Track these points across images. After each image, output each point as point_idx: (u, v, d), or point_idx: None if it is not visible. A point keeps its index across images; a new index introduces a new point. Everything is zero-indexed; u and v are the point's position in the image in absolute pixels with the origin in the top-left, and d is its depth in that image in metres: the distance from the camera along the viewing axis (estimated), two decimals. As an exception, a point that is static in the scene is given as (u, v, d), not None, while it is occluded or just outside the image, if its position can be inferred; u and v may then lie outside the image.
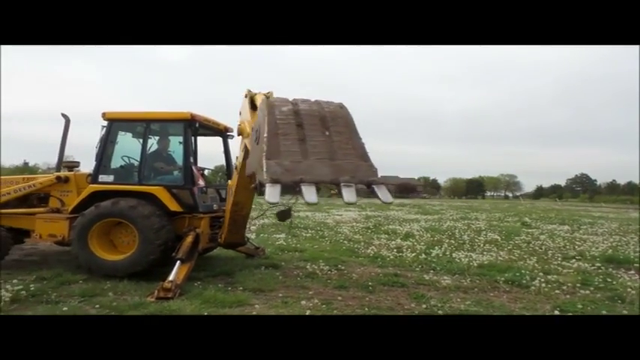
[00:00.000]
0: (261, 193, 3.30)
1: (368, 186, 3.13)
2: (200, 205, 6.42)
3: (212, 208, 6.83)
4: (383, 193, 3.16)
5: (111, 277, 5.99)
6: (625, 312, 5.11)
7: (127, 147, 6.81)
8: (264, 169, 2.86)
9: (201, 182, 6.63)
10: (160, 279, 5.53)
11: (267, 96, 5.32)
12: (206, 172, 8.22)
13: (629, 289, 5.95)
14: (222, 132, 7.62)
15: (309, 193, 2.93)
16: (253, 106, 5.26)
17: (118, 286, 5.70)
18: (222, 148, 7.83)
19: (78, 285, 5.77)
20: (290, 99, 3.67)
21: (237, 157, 6.29)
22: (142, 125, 6.65)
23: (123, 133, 6.82)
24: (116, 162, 6.73)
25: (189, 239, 6.07)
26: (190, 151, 6.57)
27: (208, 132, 7.45)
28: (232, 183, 6.33)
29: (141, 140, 6.61)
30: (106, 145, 6.56)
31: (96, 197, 6.33)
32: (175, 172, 6.82)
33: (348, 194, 3.05)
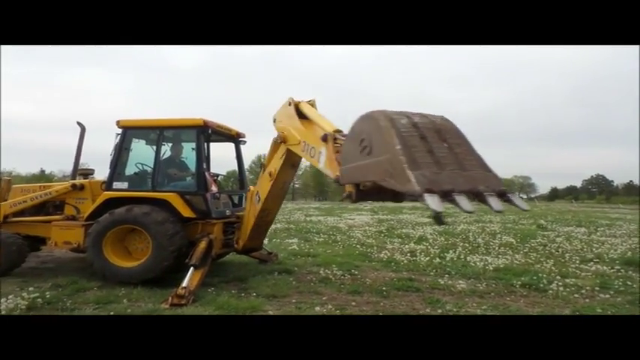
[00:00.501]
0: (355, 201, 3.71)
1: (502, 195, 3.16)
2: (213, 210, 6.44)
3: (225, 213, 6.84)
4: (519, 202, 3.24)
5: (125, 284, 6.03)
6: (647, 316, 4.97)
7: (141, 154, 6.88)
8: (413, 180, 2.92)
9: (214, 188, 6.66)
10: (174, 285, 5.54)
11: (311, 103, 5.47)
12: (219, 177, 8.26)
13: (650, 293, 5.81)
14: (235, 138, 7.65)
15: (464, 202, 2.99)
16: (300, 114, 5.31)
17: (132, 292, 5.73)
18: (234, 154, 7.85)
19: (93, 292, 5.82)
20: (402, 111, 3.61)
21: (264, 162, 6.38)
22: (156, 132, 6.71)
23: (137, 140, 6.90)
24: (130, 169, 6.80)
25: (203, 245, 6.08)
26: (203, 157, 6.60)
27: (221, 138, 7.49)
28: (258, 189, 6.30)
29: (154, 147, 6.67)
30: (121, 153, 6.63)
31: (110, 204, 6.39)
32: (188, 179, 6.86)
33: (495, 203, 3.08)
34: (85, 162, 8.69)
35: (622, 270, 7.57)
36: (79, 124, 7.19)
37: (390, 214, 23.51)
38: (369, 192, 3.62)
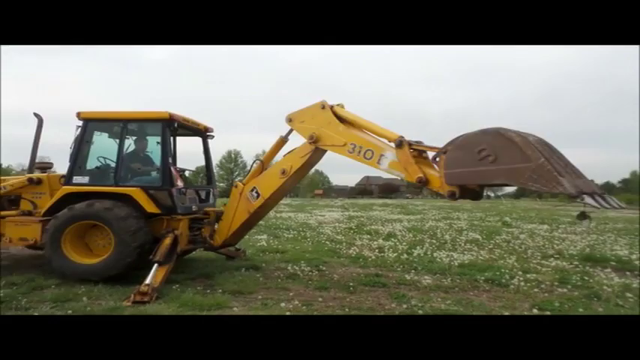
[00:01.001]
0: (474, 198, 4.61)
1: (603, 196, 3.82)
2: (179, 206, 6.30)
3: (191, 209, 6.71)
4: (614, 202, 3.87)
5: (85, 281, 5.83)
6: (601, 310, 5.17)
7: (103, 147, 6.64)
8: (566, 185, 3.59)
9: (180, 183, 6.51)
10: (137, 283, 5.40)
11: (341, 106, 5.79)
12: (187, 173, 8.10)
13: (605, 287, 6.04)
14: (202, 132, 7.50)
15: (609, 200, 3.74)
16: (339, 118, 5.61)
17: (93, 290, 5.55)
18: (202, 149, 7.70)
19: (50, 290, 5.60)
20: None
21: (261, 159, 6.52)
22: (119, 125, 6.50)
23: (99, 133, 6.66)
24: (91, 163, 6.56)
25: (168, 241, 5.94)
26: (169, 152, 6.44)
27: (188, 132, 7.33)
28: (257, 184, 6.23)
29: (117, 140, 6.46)
30: (81, 146, 6.39)
31: (70, 199, 6.15)
32: (153, 173, 6.68)
33: (613, 202, 3.81)
34: (46, 155, 8.35)
35: (580, 265, 7.85)
36: (36, 115, 6.88)
37: (361, 211, 23.73)
38: (471, 191, 4.42)
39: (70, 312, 4.76)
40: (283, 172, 6.00)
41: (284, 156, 6.20)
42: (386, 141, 5.13)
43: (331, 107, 5.74)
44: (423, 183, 4.69)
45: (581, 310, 5.11)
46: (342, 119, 5.58)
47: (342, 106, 5.83)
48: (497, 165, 3.89)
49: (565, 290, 6.11)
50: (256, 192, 6.24)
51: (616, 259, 8.39)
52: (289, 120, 6.03)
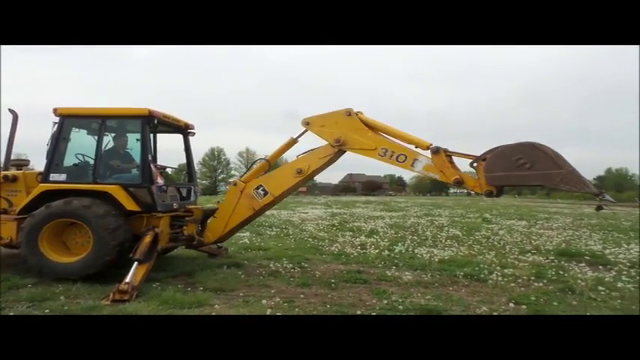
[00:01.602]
0: (498, 195, 5.39)
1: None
2: (159, 204, 6.24)
3: (172, 207, 6.65)
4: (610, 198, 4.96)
5: (63, 280, 5.73)
6: (574, 303, 5.33)
7: (81, 144, 6.53)
8: (591, 186, 4.90)
9: (160, 180, 6.44)
10: (117, 281, 5.33)
11: (361, 114, 6.21)
12: (169, 170, 8.02)
13: (579, 281, 6.22)
14: (183, 129, 7.43)
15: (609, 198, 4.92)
16: (366, 125, 6.07)
17: (71, 289, 5.47)
18: (182, 146, 7.62)
19: (27, 289, 5.50)
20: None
21: (267, 158, 6.77)
22: (97, 122, 6.39)
23: (76, 130, 6.54)
24: (69, 160, 6.44)
25: (148, 239, 5.88)
26: (148, 149, 6.36)
27: (168, 129, 7.25)
28: (264, 182, 6.44)
29: (96, 137, 6.35)
30: (58, 143, 6.26)
31: (47, 197, 6.04)
32: (133, 171, 6.59)
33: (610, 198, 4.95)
34: (23, 152, 8.17)
35: (556, 260, 8.07)
36: (10, 111, 6.71)
37: (344, 208, 23.83)
38: (501, 190, 5.42)
39: (47, 311, 4.69)
40: (300, 172, 6.28)
41: (299, 156, 6.47)
42: (412, 147, 5.80)
43: (356, 114, 6.15)
44: (460, 183, 5.46)
45: (555, 303, 5.26)
46: (368, 126, 6.04)
47: (362, 114, 6.24)
48: (533, 171, 4.86)
49: (541, 284, 6.27)
50: (263, 190, 6.43)
51: (590, 254, 8.63)
52: (307, 123, 6.31)
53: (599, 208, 4.86)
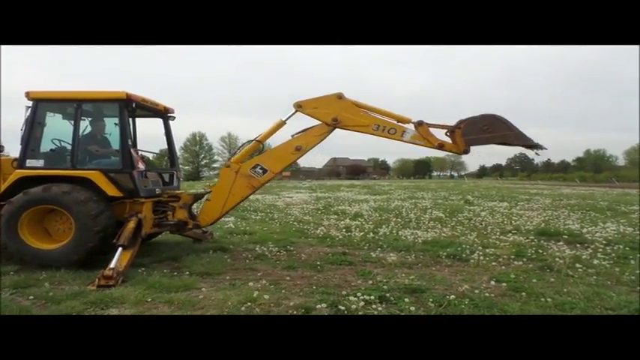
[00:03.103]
0: (466, 152, 6.38)
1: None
2: (141, 189, 6.16)
3: (154, 192, 6.58)
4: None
5: (47, 267, 5.66)
6: (552, 280, 5.48)
7: (58, 129, 6.37)
8: (532, 139, 6.19)
9: (142, 166, 6.35)
10: (102, 267, 5.29)
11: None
12: (151, 155, 7.91)
13: (557, 259, 6.40)
14: (163, 113, 7.30)
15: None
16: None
17: (55, 275, 5.43)
18: (163, 131, 7.50)
19: (9, 277, 5.42)
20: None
21: (259, 138, 6.85)
22: (72, 105, 6.23)
23: (51, 114, 6.37)
24: (46, 145, 6.29)
25: (131, 225, 5.83)
26: (128, 133, 6.25)
27: (147, 113, 7.12)
28: (261, 161, 6.69)
29: (72, 122, 6.20)
30: (33, 128, 6.09)
31: (24, 184, 5.90)
32: (113, 156, 6.48)
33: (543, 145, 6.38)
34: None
35: (535, 240, 8.24)
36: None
37: (328, 192, 23.89)
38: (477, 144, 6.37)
39: (31, 298, 4.64)
40: (299, 149, 6.62)
41: (293, 136, 6.72)
42: (395, 121, 6.53)
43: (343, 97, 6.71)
44: (442, 146, 6.46)
45: (534, 280, 5.39)
46: (358, 107, 6.65)
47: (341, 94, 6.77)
48: (494, 133, 6.18)
49: (521, 263, 6.42)
50: (261, 168, 6.63)
51: (568, 233, 8.85)
52: (299, 106, 6.63)
53: (536, 147, 6.26)
